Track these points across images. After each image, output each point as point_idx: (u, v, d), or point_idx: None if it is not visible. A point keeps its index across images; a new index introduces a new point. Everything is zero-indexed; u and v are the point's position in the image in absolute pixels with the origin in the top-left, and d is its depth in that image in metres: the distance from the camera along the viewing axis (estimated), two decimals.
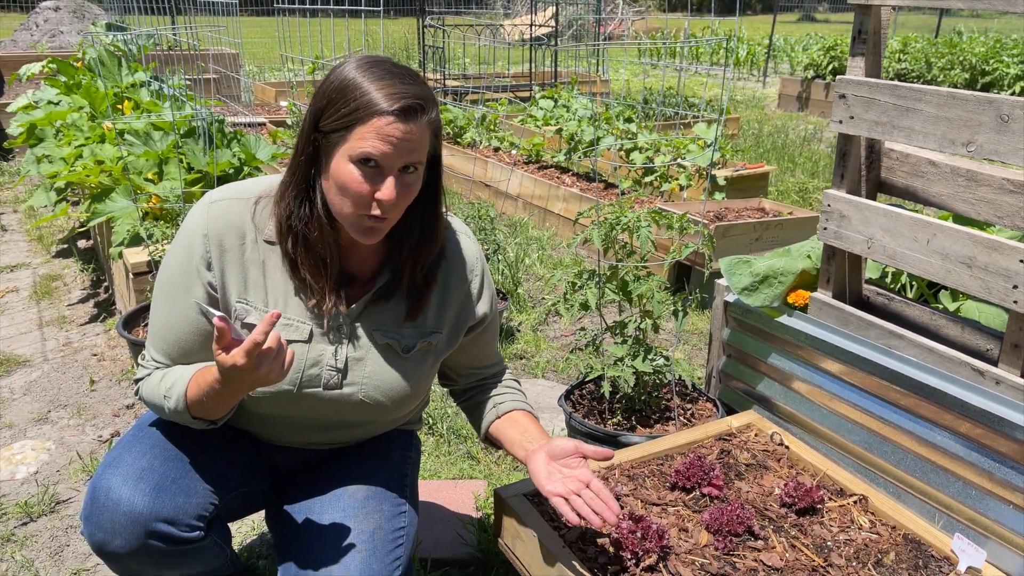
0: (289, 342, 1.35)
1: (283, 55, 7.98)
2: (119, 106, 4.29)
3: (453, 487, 2.28)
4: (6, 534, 2.19)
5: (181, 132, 3.42)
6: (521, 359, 3.34)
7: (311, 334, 1.39)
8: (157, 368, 1.41)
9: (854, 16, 1.93)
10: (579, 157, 5.24)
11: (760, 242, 3.88)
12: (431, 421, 2.73)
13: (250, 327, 1.33)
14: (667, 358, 2.27)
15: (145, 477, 1.35)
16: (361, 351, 1.42)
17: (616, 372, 2.17)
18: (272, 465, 1.61)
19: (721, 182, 4.43)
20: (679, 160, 4.67)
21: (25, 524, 2.25)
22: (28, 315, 3.76)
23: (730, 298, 2.29)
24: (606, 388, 2.18)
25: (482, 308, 1.55)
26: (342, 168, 1.24)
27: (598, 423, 2.25)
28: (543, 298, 3.98)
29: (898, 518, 1.66)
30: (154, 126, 3.54)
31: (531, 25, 9.56)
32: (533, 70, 10.34)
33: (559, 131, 5.40)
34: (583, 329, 2.33)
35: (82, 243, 4.76)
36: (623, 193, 4.82)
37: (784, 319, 2.10)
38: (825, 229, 2.02)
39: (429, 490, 2.24)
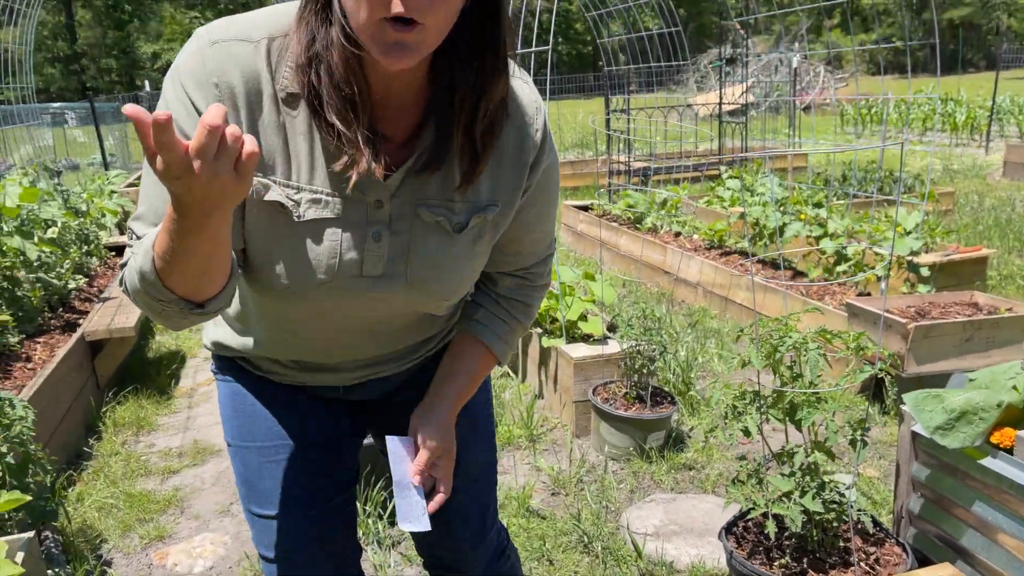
0: (320, 223, 1.11)
1: None
2: None
3: None
4: None
5: None
6: (690, 470, 3.12)
7: (344, 209, 1.11)
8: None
9: None
10: (764, 244, 4.97)
11: (971, 343, 3.42)
12: None
13: (275, 206, 1.10)
14: (843, 494, 2.00)
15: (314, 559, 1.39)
16: (405, 232, 1.15)
17: (781, 510, 1.94)
18: (354, 415, 1.49)
19: (924, 272, 4.00)
20: (875, 248, 4.28)
21: None
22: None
23: (919, 429, 1.99)
24: (770, 528, 1.95)
25: (541, 169, 1.22)
26: None
27: (764, 564, 2.02)
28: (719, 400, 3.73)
29: None
30: None
31: (719, 103, 9.37)
32: (722, 147, 10.10)
33: (742, 216, 5.16)
34: (743, 458, 2.12)
35: None
36: (812, 282, 4.48)
37: (987, 462, 1.79)
38: None
39: None
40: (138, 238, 1.07)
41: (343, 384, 1.39)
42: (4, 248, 4.01)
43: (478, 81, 1.07)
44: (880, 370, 1.97)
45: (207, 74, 1.03)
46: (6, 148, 9.11)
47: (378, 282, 1.15)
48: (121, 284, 1.10)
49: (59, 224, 4.83)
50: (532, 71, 4.00)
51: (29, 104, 9.65)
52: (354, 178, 1.06)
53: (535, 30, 4.06)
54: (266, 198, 1.08)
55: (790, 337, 1.88)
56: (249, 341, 1.33)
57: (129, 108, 0.79)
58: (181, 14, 39.55)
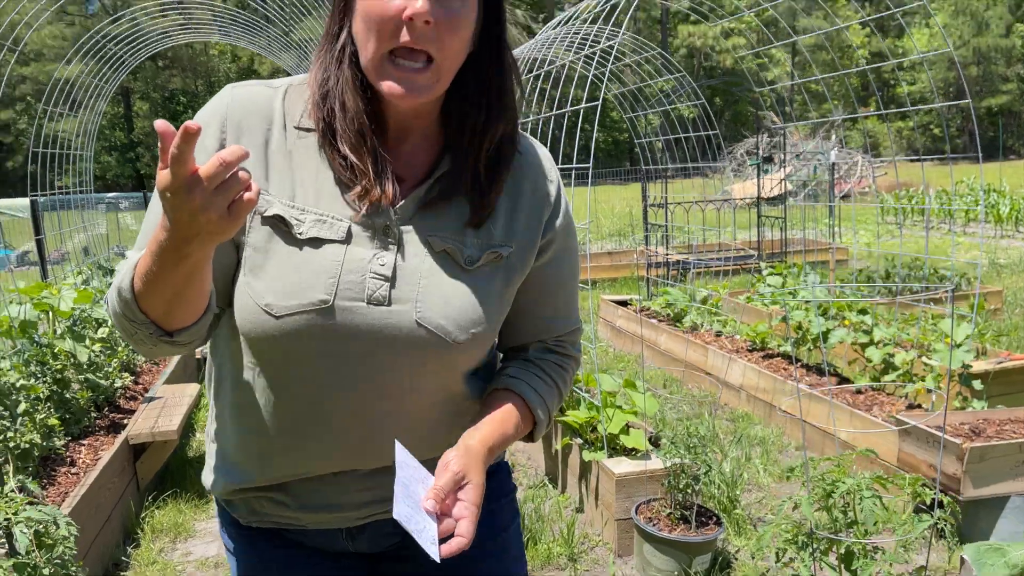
0: (322, 241, 1.08)
1: None
2: None
3: None
4: None
5: None
6: None
7: (349, 233, 1.09)
8: None
9: None
10: (808, 348, 4.89)
11: None
12: None
13: (277, 221, 1.09)
14: None
15: None
16: (414, 259, 1.11)
17: None
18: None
19: (977, 386, 3.89)
20: (924, 358, 4.19)
21: None
22: None
23: None
24: None
25: (558, 221, 1.22)
26: (371, 1, 1.02)
27: None
28: (767, 517, 3.61)
29: None
30: None
31: (758, 198, 9.41)
32: (761, 239, 10.08)
33: (784, 319, 5.11)
34: None
35: None
36: (859, 392, 4.38)
37: None
38: None
39: None
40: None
41: (347, 525, 1.24)
42: (57, 351, 4.11)
43: (487, 118, 1.12)
44: (939, 519, 1.90)
45: (220, 112, 1.11)
46: (61, 237, 9.44)
47: (384, 313, 1.09)
48: (105, 304, 1.10)
49: (109, 323, 4.95)
50: (573, 159, 4.07)
51: (87, 194, 10.04)
52: (365, 207, 1.08)
53: (579, 122, 4.15)
54: (268, 213, 1.09)
55: (843, 483, 1.82)
56: (240, 463, 1.21)
57: (160, 124, 0.85)
58: None
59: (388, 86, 1.03)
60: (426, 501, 1.03)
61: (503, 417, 1.19)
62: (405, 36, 0.99)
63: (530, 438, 1.27)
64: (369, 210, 1.09)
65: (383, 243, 1.10)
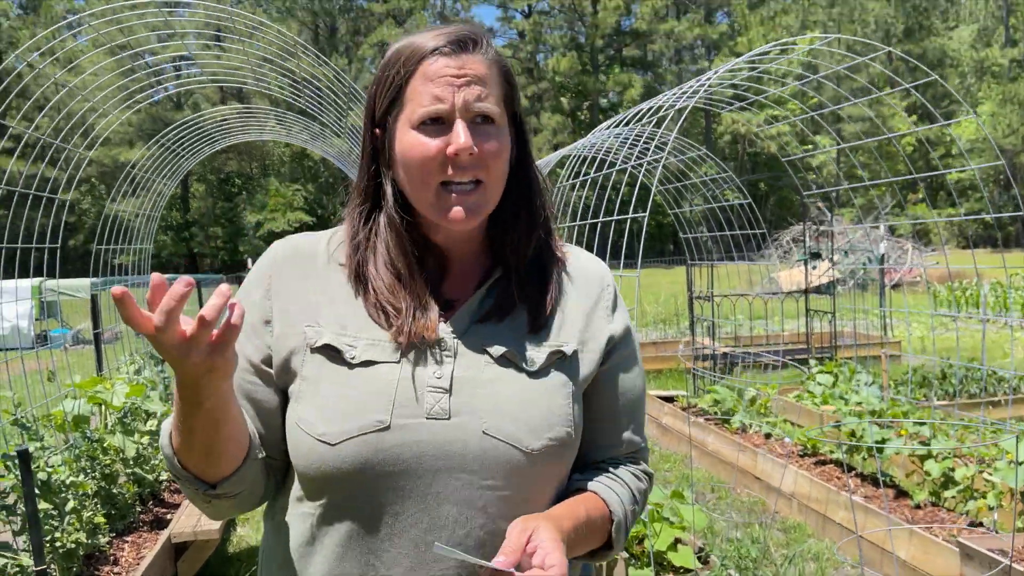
0: (373, 363, 1.06)
1: None
2: None
3: None
4: None
5: None
6: None
7: (402, 352, 1.07)
8: None
9: None
10: (863, 457, 4.74)
11: None
12: None
13: (328, 350, 1.08)
14: None
15: None
16: (472, 368, 1.08)
17: None
18: None
19: None
20: (985, 473, 4.02)
21: None
22: None
23: None
24: None
25: (617, 325, 1.19)
26: (405, 140, 1.06)
27: None
28: None
29: None
30: None
31: (807, 290, 9.30)
32: (810, 332, 9.92)
33: (836, 426, 4.97)
34: None
35: None
36: (918, 507, 4.21)
37: None
38: None
39: None
40: None
41: None
42: (107, 445, 4.17)
43: (526, 227, 1.15)
44: None
45: (266, 266, 1.16)
46: (115, 314, 9.71)
47: (446, 427, 1.03)
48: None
49: (158, 415, 5.02)
50: (624, 242, 4.07)
51: (144, 275, 10.36)
52: (405, 341, 1.07)
53: (617, 201, 4.17)
54: (318, 344, 1.08)
55: None
56: None
57: (155, 277, 0.88)
58: (285, 187, 42.64)
59: (451, 214, 1.05)
60: (496, 559, 0.94)
61: (575, 500, 1.11)
62: (451, 170, 1.04)
63: (608, 547, 1.14)
64: (419, 338, 1.08)
65: (438, 357, 1.08)
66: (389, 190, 1.11)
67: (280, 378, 1.12)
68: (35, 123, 5.85)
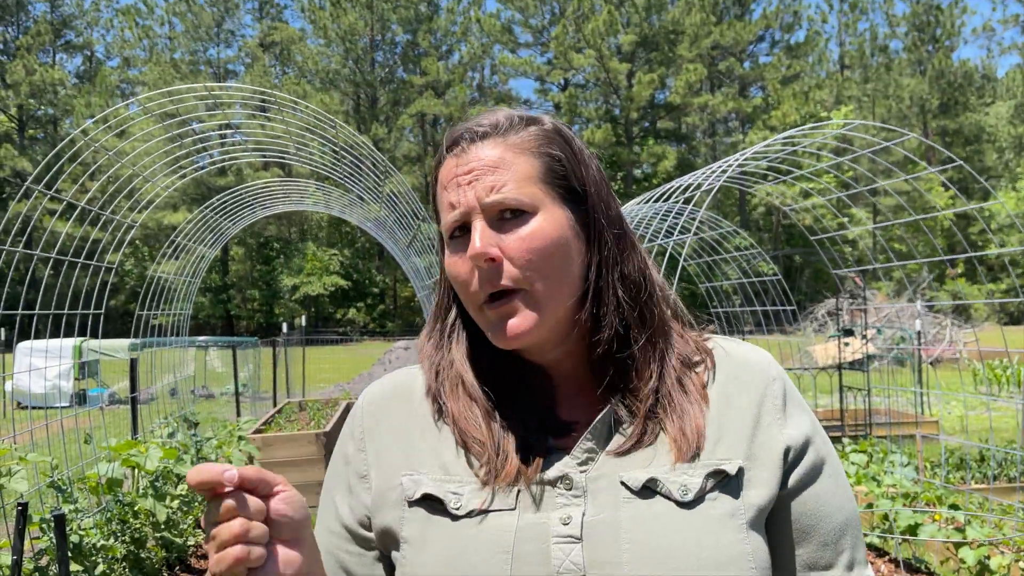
0: (486, 512, 0.87)
1: None
2: None
3: None
4: None
5: None
6: None
7: (518, 495, 0.88)
8: None
9: None
10: (896, 542, 4.63)
11: None
12: None
13: (429, 501, 0.90)
14: None
15: None
16: (608, 507, 0.86)
17: None
18: None
19: None
20: (1022, 563, 3.91)
21: None
22: None
23: None
24: None
25: (794, 430, 0.93)
26: (446, 260, 0.93)
27: None
28: None
29: None
30: None
31: (839, 366, 9.20)
32: (844, 409, 9.76)
33: (869, 507, 4.88)
34: None
35: None
36: None
37: None
38: None
39: None
40: None
41: None
42: (138, 508, 4.24)
43: (632, 330, 0.93)
44: None
45: (355, 424, 1.00)
46: (151, 375, 9.89)
47: None
48: None
49: None
50: None
51: (182, 336, 10.57)
52: (496, 486, 0.88)
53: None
54: (416, 496, 0.90)
55: None
56: None
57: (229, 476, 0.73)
58: (322, 251, 43.42)
59: (497, 336, 0.90)
60: None
61: None
62: (475, 285, 0.89)
63: None
64: (530, 482, 0.89)
65: (563, 497, 0.87)
66: (454, 310, 0.98)
67: (381, 542, 0.95)
68: (90, 192, 6.10)
